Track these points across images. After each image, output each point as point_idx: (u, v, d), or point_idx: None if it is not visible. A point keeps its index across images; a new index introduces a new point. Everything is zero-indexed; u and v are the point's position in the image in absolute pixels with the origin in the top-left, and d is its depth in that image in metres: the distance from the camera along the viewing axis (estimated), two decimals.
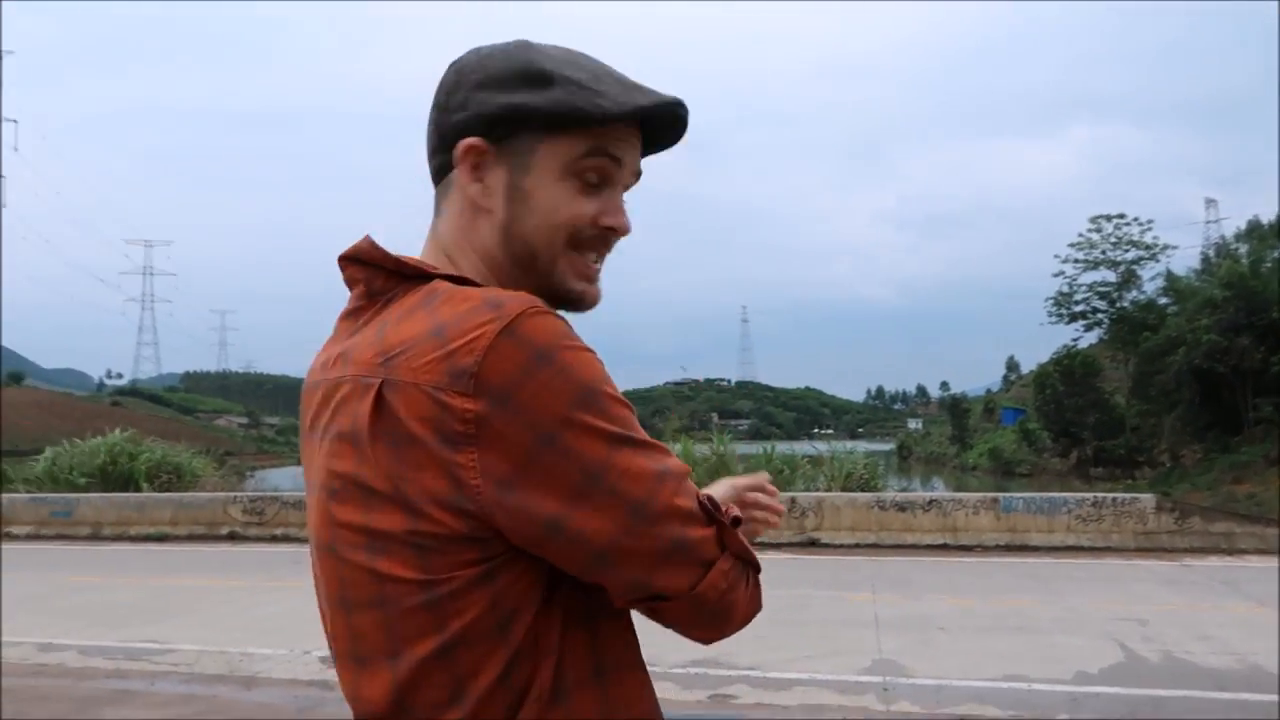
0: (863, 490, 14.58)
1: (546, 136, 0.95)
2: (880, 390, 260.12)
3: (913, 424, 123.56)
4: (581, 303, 1.00)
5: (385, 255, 0.95)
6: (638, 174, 1.02)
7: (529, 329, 0.83)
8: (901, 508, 12.65)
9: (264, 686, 6.05)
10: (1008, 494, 13.07)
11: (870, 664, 6.39)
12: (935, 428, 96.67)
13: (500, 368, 0.81)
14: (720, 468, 15.99)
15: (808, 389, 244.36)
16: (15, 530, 15.22)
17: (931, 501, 12.73)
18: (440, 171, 1.01)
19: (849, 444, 23.27)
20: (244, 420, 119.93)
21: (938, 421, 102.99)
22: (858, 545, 12.34)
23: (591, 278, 1.00)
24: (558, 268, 0.97)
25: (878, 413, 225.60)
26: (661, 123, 1.00)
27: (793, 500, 13.01)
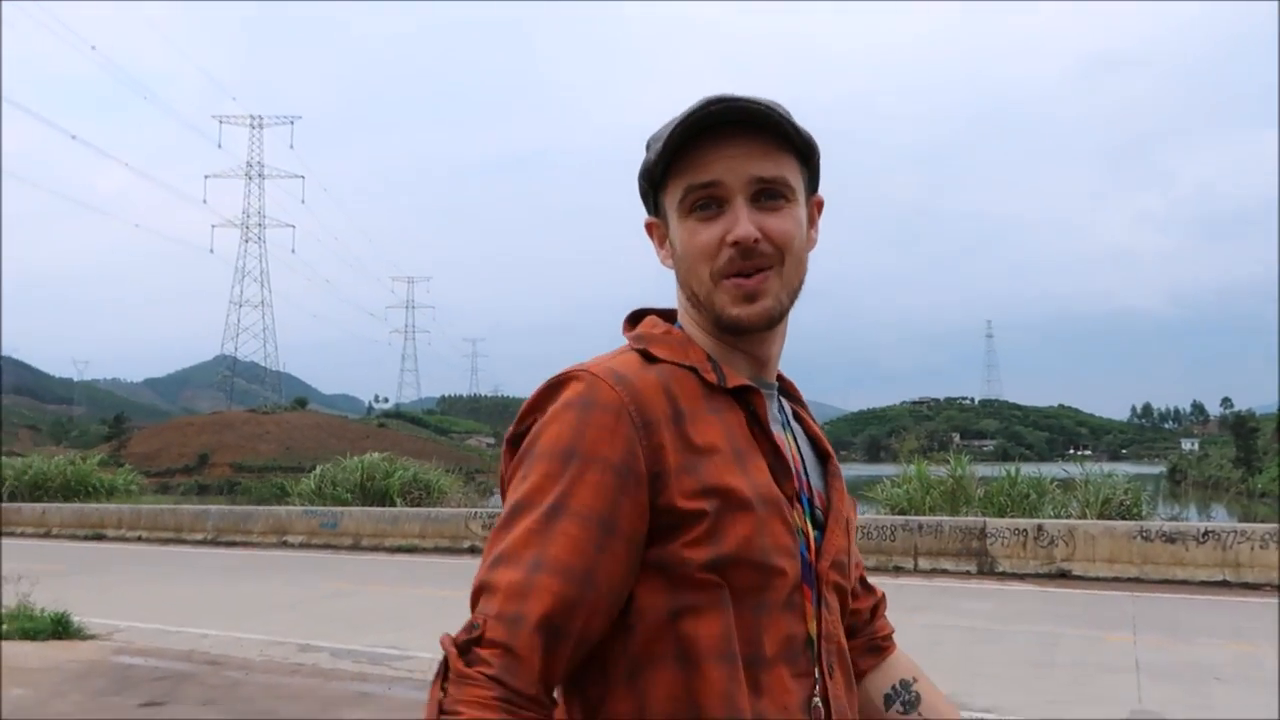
0: (1124, 518, 13.20)
1: (664, 196, 1.08)
2: (1148, 408, 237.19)
3: (1187, 444, 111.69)
4: (741, 324, 1.04)
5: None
6: (757, 178, 1.03)
7: (563, 385, 1.01)
8: (1170, 538, 11.31)
9: None
10: None
11: (1129, 715, 5.67)
12: (1215, 449, 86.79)
13: (529, 403, 1.03)
14: (958, 490, 15.06)
15: (1062, 407, 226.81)
16: (291, 539, 16.88)
17: (1207, 532, 11.29)
18: None
19: (1109, 466, 21.26)
20: (491, 440, 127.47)
21: (1218, 442, 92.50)
22: (1116, 579, 11.15)
23: (750, 296, 1.03)
24: (715, 300, 1.04)
25: (1144, 433, 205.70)
26: (720, 121, 1.02)
27: (1039, 527, 11.99)
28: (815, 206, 1.13)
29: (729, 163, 1.01)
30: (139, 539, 18.26)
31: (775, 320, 1.05)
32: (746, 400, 1.05)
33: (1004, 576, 11.67)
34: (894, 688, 1.21)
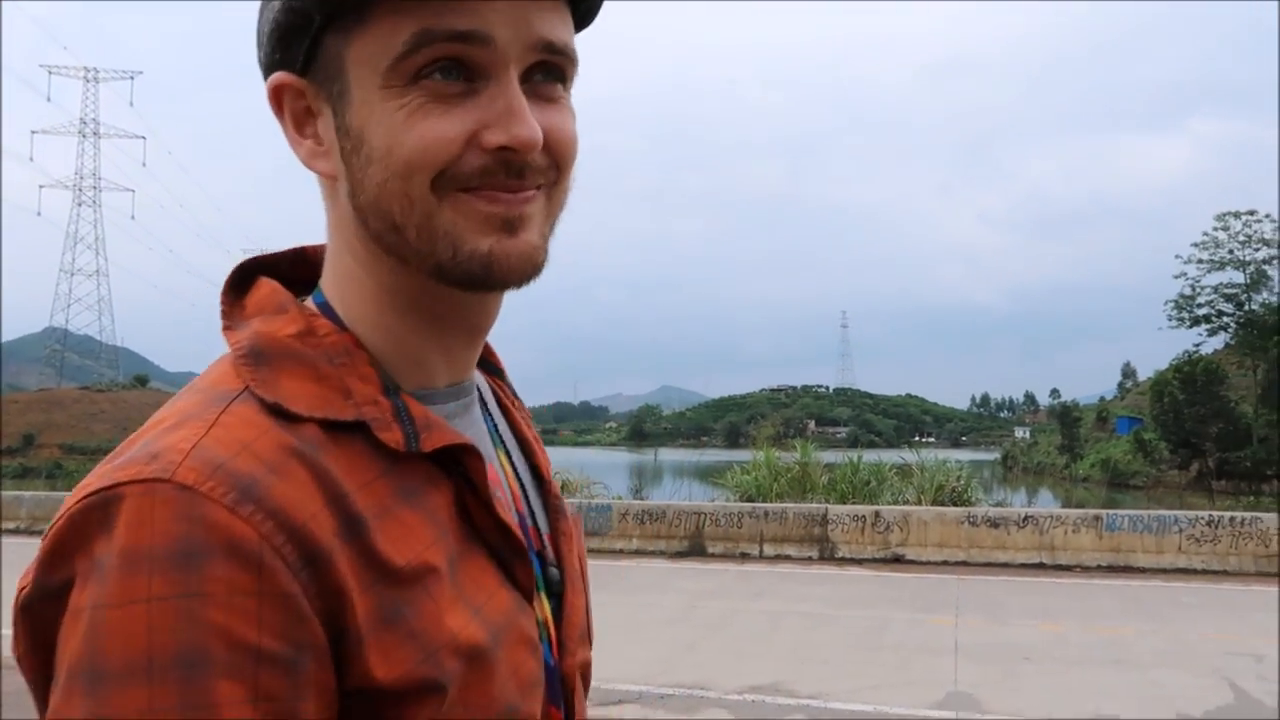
0: (955, 504, 13.88)
1: (345, 40, 0.61)
2: (985, 398, 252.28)
3: (1020, 433, 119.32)
4: (491, 272, 0.62)
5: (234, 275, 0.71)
6: (545, 41, 0.62)
7: (113, 516, 0.53)
8: (994, 524, 11.94)
9: None
10: (1112, 511, 12.22)
11: (944, 697, 5.90)
12: (1044, 437, 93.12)
13: (54, 543, 0.55)
14: (804, 477, 15.49)
15: (909, 396, 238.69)
16: None
17: (1027, 518, 11.98)
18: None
19: (951, 453, 22.38)
20: None
21: (1047, 430, 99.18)
22: (945, 563, 11.69)
23: (509, 224, 0.62)
24: (442, 230, 0.61)
25: (982, 421, 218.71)
26: None
27: (877, 513, 12.44)
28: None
29: (502, 7, 0.60)
30: None
31: (539, 268, 0.64)
32: (456, 465, 0.65)
33: (844, 562, 12.06)
34: None
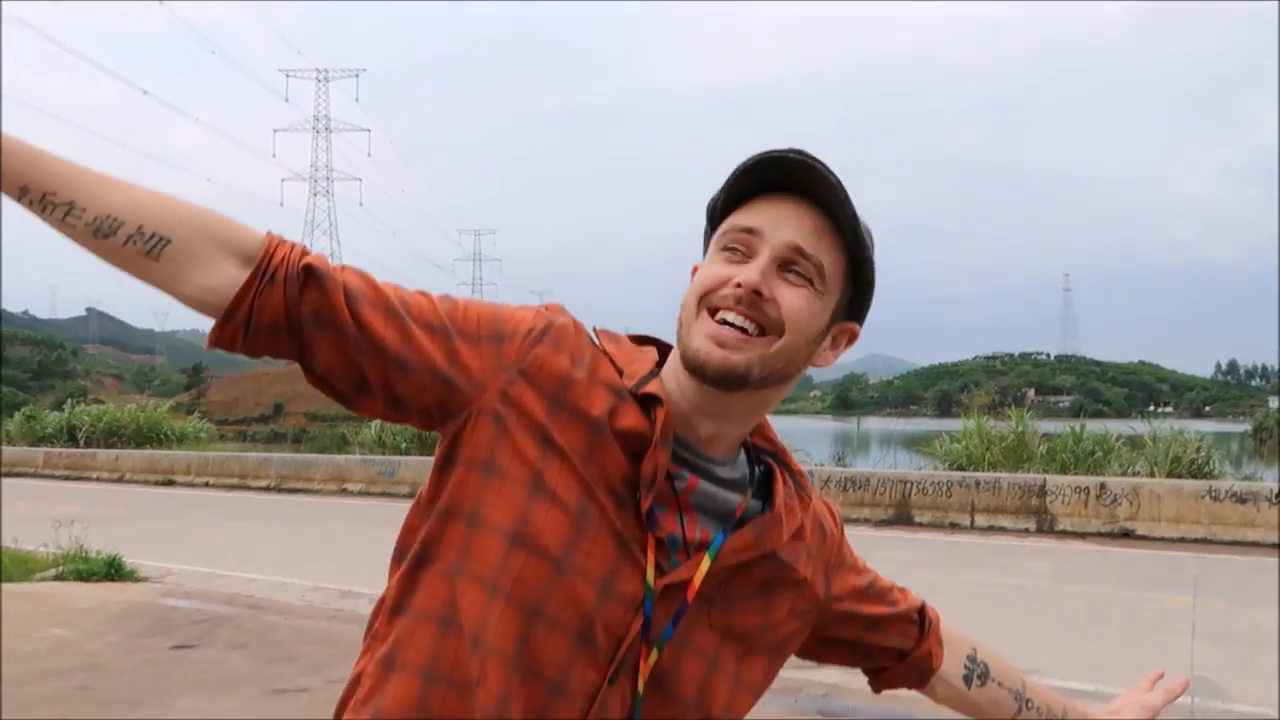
0: (1194, 477, 12.66)
1: (714, 233, 1.01)
2: (1233, 364, 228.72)
3: (1275, 402, 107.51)
4: (698, 362, 0.95)
5: None
6: (795, 246, 0.96)
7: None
8: (1241, 499, 10.79)
9: None
10: None
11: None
12: None
13: None
14: (1019, 446, 14.62)
15: (1142, 363, 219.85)
16: (350, 487, 17.21)
17: None
18: None
19: (1191, 424, 20.46)
20: None
21: None
22: (1182, 540, 10.70)
23: (720, 341, 0.94)
24: (691, 331, 0.97)
25: (1230, 390, 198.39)
26: (792, 178, 0.97)
27: (1102, 485, 11.55)
28: (845, 332, 1.05)
29: (777, 219, 0.96)
30: (206, 485, 18.83)
31: (733, 379, 0.94)
32: (646, 410, 0.97)
33: (1064, 535, 11.30)
34: (966, 665, 1.21)
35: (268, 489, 18.04)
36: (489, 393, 0.94)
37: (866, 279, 1.02)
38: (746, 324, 0.94)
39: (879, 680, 1.21)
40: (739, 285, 0.94)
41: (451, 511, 0.94)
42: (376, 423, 20.64)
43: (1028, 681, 1.25)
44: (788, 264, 0.95)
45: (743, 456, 1.05)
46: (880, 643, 1.16)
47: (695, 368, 0.94)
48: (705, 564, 0.95)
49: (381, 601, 0.99)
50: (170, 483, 19.32)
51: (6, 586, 7.61)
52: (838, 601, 1.11)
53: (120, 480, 20.07)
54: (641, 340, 1.08)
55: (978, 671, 1.22)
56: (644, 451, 0.94)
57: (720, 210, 1.00)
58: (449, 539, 0.93)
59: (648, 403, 0.96)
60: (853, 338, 1.06)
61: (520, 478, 0.92)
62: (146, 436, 24.83)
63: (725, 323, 0.94)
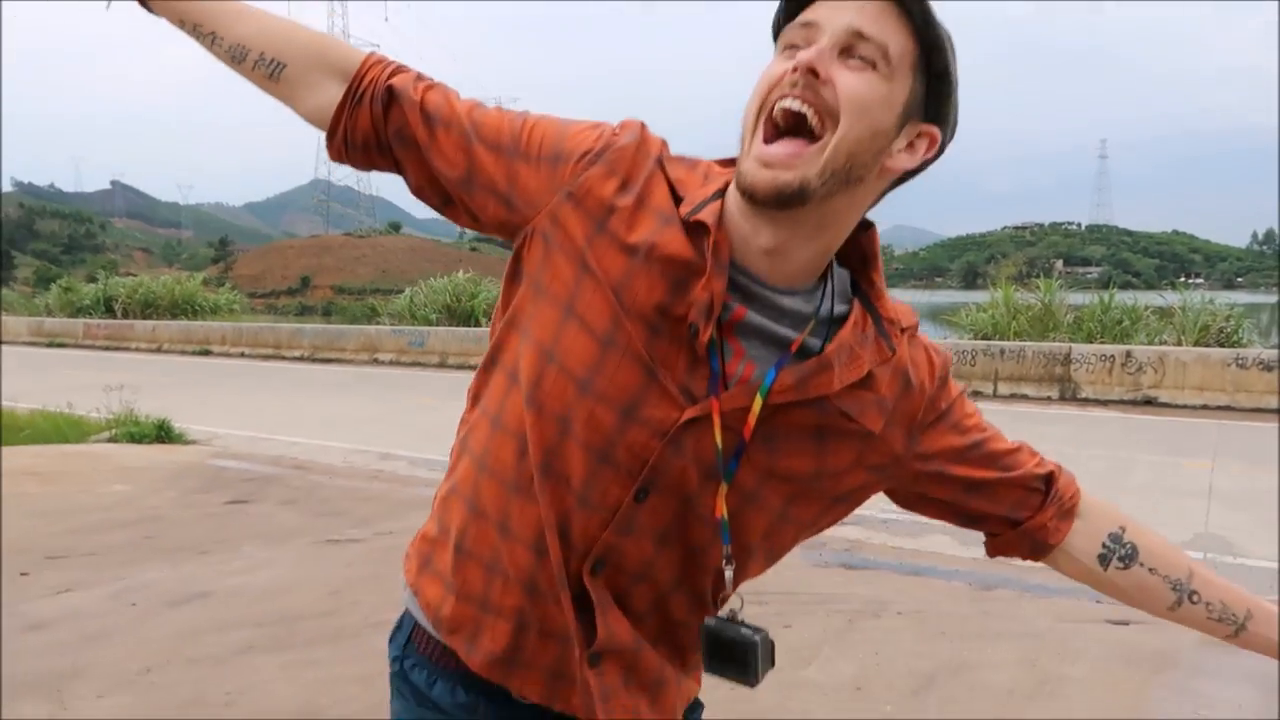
0: (1222, 346, 12.65)
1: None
2: (1270, 234, 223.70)
3: None
4: (744, 183, 0.91)
5: None
6: (854, 29, 0.89)
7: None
8: (1268, 367, 10.81)
9: None
10: None
11: (1192, 538, 5.57)
12: None
13: None
14: (1046, 316, 14.59)
15: (1175, 233, 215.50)
16: (381, 357, 17.55)
17: None
18: None
19: (1222, 295, 20.24)
20: None
21: None
22: (1205, 407, 10.80)
23: (768, 161, 0.89)
24: (748, 144, 0.92)
25: (1264, 260, 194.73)
26: None
27: (1128, 353, 11.59)
28: (923, 135, 0.94)
29: (836, 8, 0.89)
30: (241, 355, 19.26)
31: (787, 197, 0.89)
32: (697, 238, 0.94)
33: (1086, 403, 11.42)
34: (1106, 545, 1.09)
35: (301, 359, 18.43)
36: (542, 214, 0.98)
37: (940, 69, 0.92)
38: (804, 108, 0.88)
39: (992, 545, 1.12)
40: (794, 70, 0.88)
41: (511, 322, 1.01)
42: (407, 294, 20.85)
43: (1198, 571, 1.10)
44: (849, 50, 0.89)
45: (828, 289, 0.98)
46: (982, 508, 1.08)
47: (746, 192, 0.90)
48: (758, 403, 0.93)
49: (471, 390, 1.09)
50: (207, 353, 19.77)
51: (67, 447, 7.98)
52: (926, 460, 1.04)
53: (158, 351, 20.56)
54: (729, 163, 0.99)
55: (1120, 553, 1.09)
56: (689, 280, 0.92)
57: (783, 21, 0.94)
58: (509, 347, 1.01)
59: (699, 230, 0.93)
60: (933, 143, 0.95)
61: (558, 298, 0.96)
62: (181, 308, 25.26)
63: (783, 111, 0.89)
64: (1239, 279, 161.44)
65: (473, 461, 1.03)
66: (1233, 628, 1.07)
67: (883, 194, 0.98)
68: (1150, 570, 1.08)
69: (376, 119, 1.03)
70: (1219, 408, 10.76)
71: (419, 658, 1.09)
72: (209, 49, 1.09)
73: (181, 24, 1.10)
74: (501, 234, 1.03)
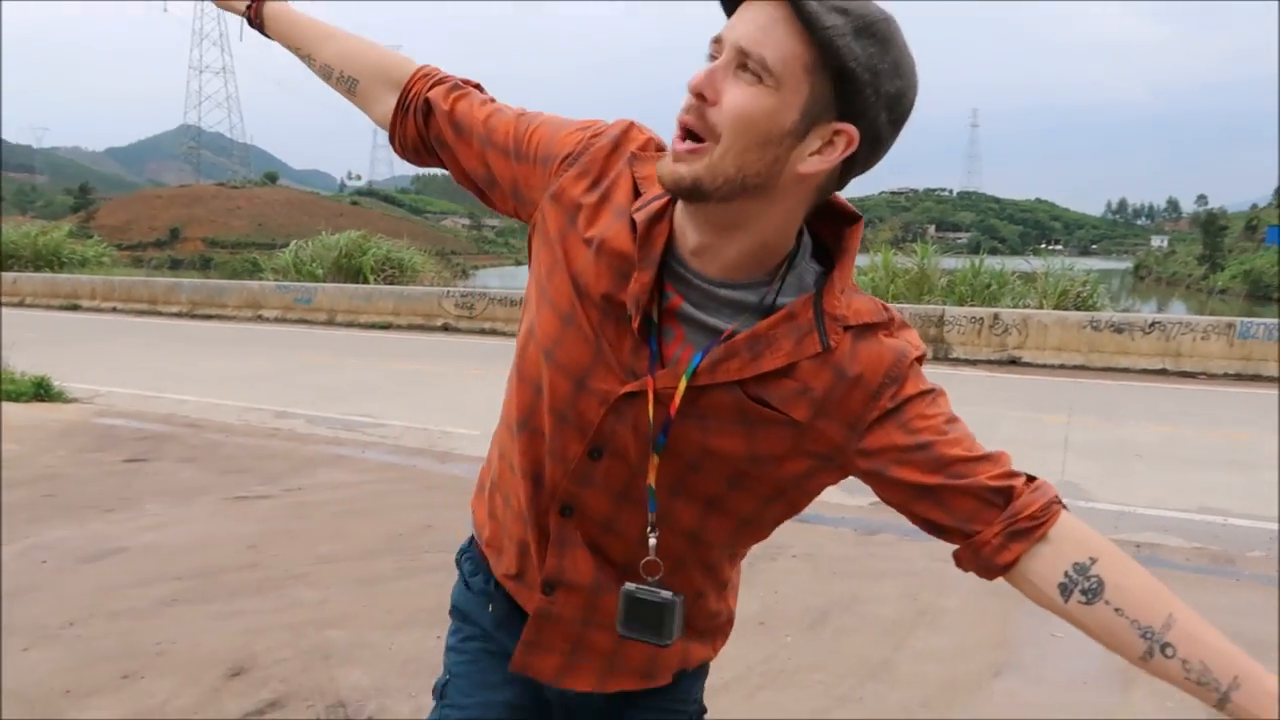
0: (1079, 310, 13.62)
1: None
2: (1122, 204, 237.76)
3: (1156, 241, 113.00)
4: (659, 176, 0.99)
5: None
6: (738, 48, 0.92)
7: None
8: (1118, 329, 11.75)
9: (456, 461, 6.61)
10: (1246, 319, 11.78)
11: None
12: (1183, 246, 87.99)
13: None
14: (922, 280, 15.36)
15: (1038, 201, 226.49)
16: (265, 314, 17.06)
17: (1154, 324, 11.72)
18: None
19: (1079, 261, 21.57)
20: (467, 221, 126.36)
21: (1187, 240, 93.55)
22: (1063, 366, 11.67)
23: (675, 155, 0.96)
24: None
25: (1116, 229, 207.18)
26: None
27: (996, 316, 12.37)
28: (838, 134, 0.94)
29: (735, 21, 0.94)
30: (113, 310, 18.39)
31: (683, 191, 0.96)
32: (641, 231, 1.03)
33: (958, 363, 12.16)
34: (1068, 574, 0.98)
35: (179, 315, 17.75)
36: (536, 209, 1.15)
37: (838, 67, 0.90)
38: (693, 129, 0.94)
39: (955, 556, 1.05)
40: (690, 89, 0.95)
41: (524, 299, 1.19)
42: (292, 248, 20.25)
43: (1182, 623, 0.94)
44: (742, 65, 0.92)
45: (781, 285, 1.03)
46: (931, 515, 1.02)
47: (660, 183, 0.99)
48: (682, 384, 1.01)
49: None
50: (75, 307, 18.80)
51: None
52: (868, 457, 1.02)
53: (21, 304, 19.41)
54: None
55: (1083, 586, 0.97)
56: (630, 272, 1.03)
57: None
58: (523, 320, 1.20)
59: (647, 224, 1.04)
60: (851, 141, 0.94)
61: (540, 282, 1.13)
62: (45, 260, 23.82)
63: (682, 134, 0.96)
64: (1094, 246, 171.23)
65: (502, 409, 1.24)
66: (1215, 695, 0.92)
67: (826, 191, 1.01)
68: (1116, 610, 0.96)
69: (419, 127, 1.24)
70: (1075, 367, 11.64)
71: (472, 553, 1.33)
72: (309, 67, 1.30)
73: (287, 47, 1.35)
74: (521, 220, 1.22)
